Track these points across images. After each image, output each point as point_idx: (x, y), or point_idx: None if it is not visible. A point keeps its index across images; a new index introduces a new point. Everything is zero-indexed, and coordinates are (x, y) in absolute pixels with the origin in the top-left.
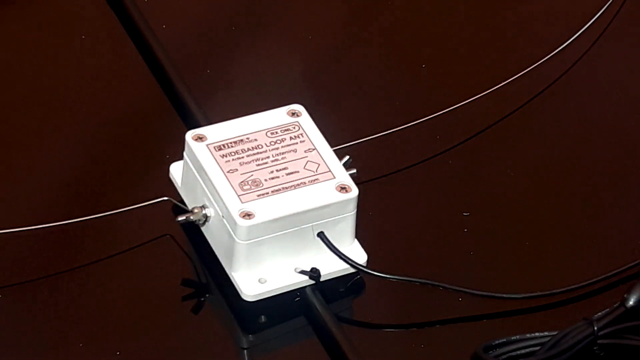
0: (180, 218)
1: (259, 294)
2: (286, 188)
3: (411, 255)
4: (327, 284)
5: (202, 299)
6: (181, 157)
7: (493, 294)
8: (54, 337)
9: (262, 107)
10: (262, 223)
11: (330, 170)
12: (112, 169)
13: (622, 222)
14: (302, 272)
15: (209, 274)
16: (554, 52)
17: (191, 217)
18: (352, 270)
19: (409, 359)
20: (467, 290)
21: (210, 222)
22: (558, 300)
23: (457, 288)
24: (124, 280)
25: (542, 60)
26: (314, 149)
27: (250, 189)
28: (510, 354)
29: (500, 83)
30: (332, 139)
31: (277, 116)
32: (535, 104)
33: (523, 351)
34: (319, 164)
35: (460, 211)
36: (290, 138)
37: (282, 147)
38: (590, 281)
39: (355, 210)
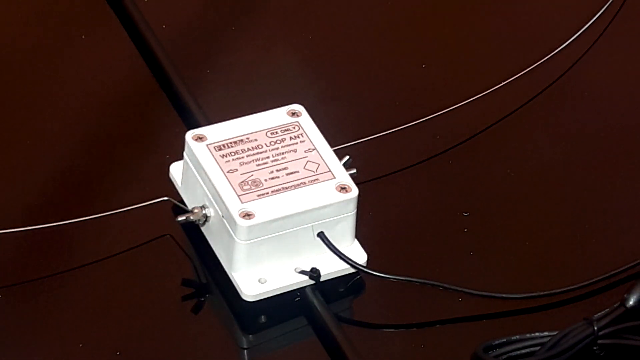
0: (180, 218)
1: (259, 294)
2: (286, 188)
3: (411, 255)
4: (327, 284)
5: (202, 299)
6: (181, 157)
7: (493, 294)
8: (54, 337)
9: (262, 107)
10: (262, 223)
11: (330, 170)
12: (112, 168)
13: (622, 222)
14: (302, 272)
15: (209, 274)
16: (554, 52)
17: (191, 217)
18: (352, 270)
19: (409, 359)
20: (467, 290)
21: (210, 222)
22: (558, 300)
23: (457, 288)
24: (124, 280)
25: (542, 60)
26: (314, 149)
27: (250, 189)
28: (510, 354)
29: (500, 83)
30: (332, 139)
31: (277, 116)
32: (535, 104)
33: (523, 351)
34: (319, 164)
35: (460, 211)
36: (290, 138)
37: (282, 147)
38: (590, 281)
39: (355, 210)
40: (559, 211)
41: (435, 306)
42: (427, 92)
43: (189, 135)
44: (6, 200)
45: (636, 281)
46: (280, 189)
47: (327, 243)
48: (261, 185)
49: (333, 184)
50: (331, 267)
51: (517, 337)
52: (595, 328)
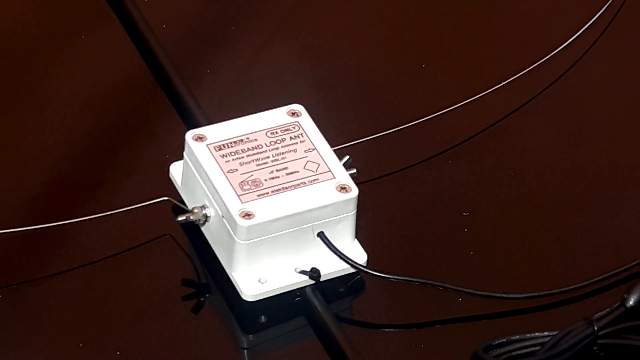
0: (180, 218)
1: (259, 294)
2: (286, 188)
3: (411, 255)
4: (327, 284)
5: (202, 299)
6: (181, 157)
7: (493, 294)
8: (54, 337)
9: (262, 107)
10: (262, 223)
11: (330, 170)
12: (112, 169)
13: (622, 222)
14: (302, 272)
15: (209, 274)
16: (554, 52)
17: (191, 217)
18: (352, 270)
19: (409, 359)
20: (467, 290)
21: (210, 222)
22: (558, 300)
23: (457, 288)
24: (124, 280)
25: (542, 60)
26: (314, 149)
27: (250, 189)
28: (510, 354)
29: (500, 83)
30: (332, 139)
31: (277, 116)
32: (535, 104)
33: (523, 351)
34: (319, 164)
35: (460, 211)
36: (290, 138)
37: (282, 147)
38: (590, 281)
39: (355, 210)
40: (559, 211)
41: (435, 306)
42: (427, 92)
43: (189, 135)
44: (6, 200)
45: (636, 281)
46: (280, 189)
47: (327, 243)
48: (261, 185)
49: (333, 184)
50: (331, 267)
51: (517, 337)
52: (595, 328)
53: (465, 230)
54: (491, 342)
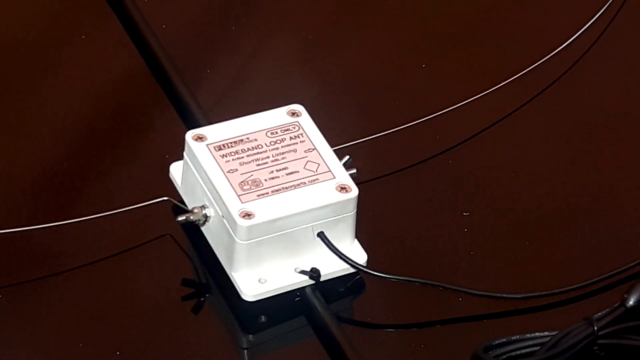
0: (180, 218)
1: (259, 294)
2: (286, 188)
3: (411, 255)
4: (327, 284)
5: (202, 299)
6: (181, 157)
7: (493, 294)
8: (54, 337)
9: (262, 107)
10: (262, 223)
11: (330, 170)
12: (112, 168)
13: (622, 222)
14: (302, 272)
15: (209, 274)
16: (554, 52)
17: (191, 217)
18: (352, 270)
19: (409, 359)
20: (467, 290)
21: (210, 222)
22: (558, 300)
23: (457, 288)
24: (124, 280)
25: (542, 60)
26: (314, 149)
27: (250, 189)
28: (510, 354)
29: (500, 83)
30: (332, 139)
31: (277, 116)
32: (535, 104)
33: (523, 351)
34: (319, 164)
35: (460, 211)
36: (290, 138)
37: (282, 147)
38: (590, 281)
39: (355, 210)
40: (559, 211)
41: (435, 306)
42: (427, 92)
43: (189, 135)
44: (6, 200)
45: (636, 281)
46: (280, 189)
47: (327, 243)
48: (261, 185)
49: (333, 184)
50: (331, 267)
51: (517, 337)
52: (595, 328)
53: (465, 230)
54: (491, 342)
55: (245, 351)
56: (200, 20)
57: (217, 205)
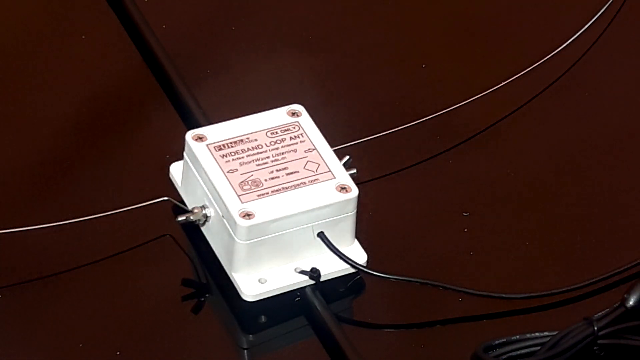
0: (180, 218)
1: (259, 294)
2: (286, 188)
3: (411, 255)
4: (327, 284)
5: (202, 299)
6: (181, 157)
7: (493, 294)
8: (54, 337)
9: (262, 107)
10: (262, 223)
11: (330, 170)
12: (112, 168)
13: (622, 222)
14: (302, 272)
15: (209, 274)
16: (554, 52)
17: (191, 217)
18: (352, 270)
19: (409, 359)
20: (467, 290)
21: (210, 222)
22: (558, 300)
23: (457, 288)
24: (124, 280)
25: (542, 60)
26: (314, 149)
27: (250, 189)
28: (510, 354)
29: (501, 83)
30: (332, 139)
31: (277, 116)
32: (535, 104)
33: (523, 351)
34: (319, 164)
35: (460, 211)
36: (290, 138)
37: (282, 147)
38: (590, 281)
39: (355, 210)
40: (559, 211)
41: (435, 306)
42: (427, 92)
43: (189, 135)
44: (6, 200)
45: (636, 281)
46: (280, 189)
47: (327, 243)
48: (261, 185)
49: (333, 184)
50: (331, 267)
51: (517, 337)
52: (595, 328)
53: (465, 230)
54: (491, 342)
55: (245, 351)
56: (200, 20)
57: (217, 205)
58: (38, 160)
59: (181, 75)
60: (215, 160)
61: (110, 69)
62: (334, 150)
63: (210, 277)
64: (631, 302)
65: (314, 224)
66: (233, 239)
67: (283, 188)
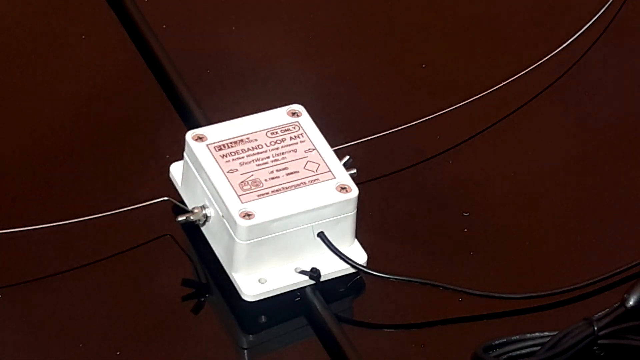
0: (180, 218)
1: (259, 294)
2: (286, 188)
3: (411, 255)
4: (327, 284)
5: (202, 299)
6: (181, 157)
7: (493, 294)
8: (54, 337)
9: (262, 107)
10: (262, 223)
11: (330, 170)
12: (112, 168)
13: (622, 222)
14: (302, 272)
15: (209, 274)
16: (554, 52)
17: (191, 217)
18: (352, 270)
19: (409, 359)
20: (467, 290)
21: (210, 222)
22: (558, 300)
23: (457, 288)
24: (124, 280)
25: (542, 60)
26: (314, 149)
27: (251, 189)
28: (510, 354)
29: (500, 83)
30: (332, 139)
31: (277, 116)
32: (535, 104)
33: (523, 351)
34: (319, 164)
35: (460, 211)
36: (290, 138)
37: (282, 147)
38: (590, 281)
39: (355, 210)
40: (559, 211)
41: (435, 306)
42: (427, 92)
43: (189, 135)
44: (6, 200)
45: (636, 281)
46: (280, 189)
47: (327, 243)
48: (261, 185)
49: (333, 184)
50: (331, 267)
51: (517, 337)
52: (595, 328)
53: (465, 230)
54: (491, 342)
55: (245, 351)
56: (200, 21)
57: (217, 205)
58: (38, 160)
59: (181, 75)
60: (216, 160)
61: (110, 69)
62: (334, 150)
63: (210, 277)
64: (631, 302)
65: (314, 224)
66: (233, 239)
67: (283, 188)
